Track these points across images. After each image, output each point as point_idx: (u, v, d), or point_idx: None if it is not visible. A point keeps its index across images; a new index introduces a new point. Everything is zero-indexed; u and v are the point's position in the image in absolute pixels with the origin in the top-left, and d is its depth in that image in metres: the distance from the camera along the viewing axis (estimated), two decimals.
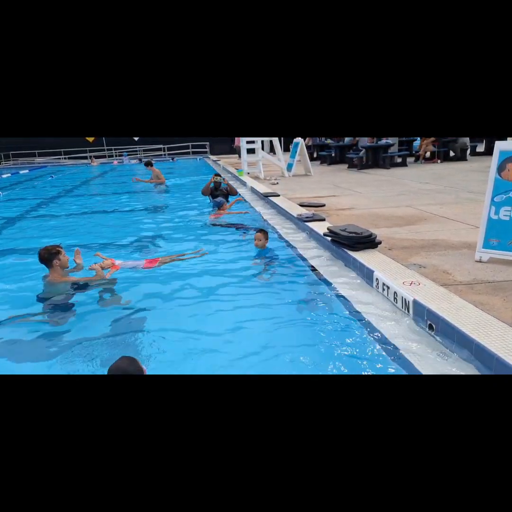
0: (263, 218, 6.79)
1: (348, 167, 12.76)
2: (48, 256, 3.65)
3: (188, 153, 26.80)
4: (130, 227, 6.98)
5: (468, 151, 13.18)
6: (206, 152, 26.24)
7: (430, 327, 2.62)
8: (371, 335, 2.77)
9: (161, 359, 2.71)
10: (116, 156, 26.37)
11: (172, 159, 24.03)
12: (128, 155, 25.50)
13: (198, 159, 24.02)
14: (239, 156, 20.43)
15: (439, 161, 12.63)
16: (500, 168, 3.69)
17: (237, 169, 12.72)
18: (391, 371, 2.38)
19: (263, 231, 4.76)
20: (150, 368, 2.59)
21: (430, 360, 2.38)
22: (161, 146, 26.73)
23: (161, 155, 26.91)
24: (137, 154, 26.68)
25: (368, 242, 4.00)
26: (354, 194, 7.91)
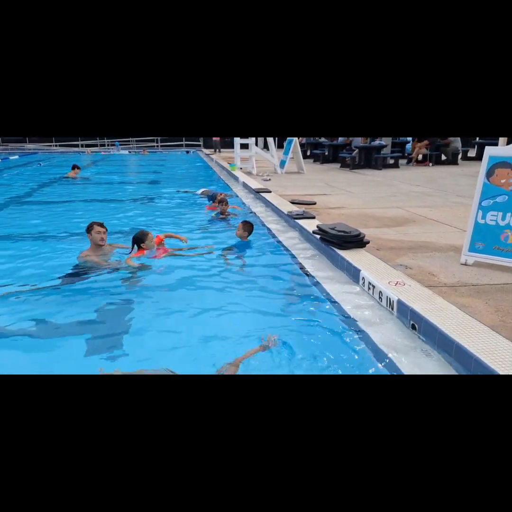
0: (253, 213, 6.80)
1: (341, 167, 12.81)
2: (86, 229, 4.32)
3: (181, 145, 26.67)
4: (123, 216, 6.95)
5: (460, 156, 13.32)
6: (199, 145, 26.12)
7: (413, 326, 2.66)
8: (355, 333, 2.80)
9: (140, 352, 2.73)
10: (108, 145, 26.17)
11: (187, 152, 23.95)
12: (120, 144, 25.33)
13: (191, 152, 23.93)
14: (215, 150, 20.50)
15: (430, 164, 12.74)
16: (489, 173, 3.74)
17: (229, 163, 12.69)
18: (374, 369, 2.41)
19: (245, 223, 4.81)
20: (136, 360, 2.60)
21: (412, 359, 2.41)
22: (154, 137, 26.55)
23: (153, 146, 26.75)
24: (129, 144, 26.49)
25: (356, 241, 4.03)
26: (345, 193, 7.94)
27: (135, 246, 4.32)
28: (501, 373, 1.94)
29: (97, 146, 25.93)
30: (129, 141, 26.58)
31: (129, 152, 24.39)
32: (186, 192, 9.26)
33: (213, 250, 4.66)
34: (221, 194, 7.18)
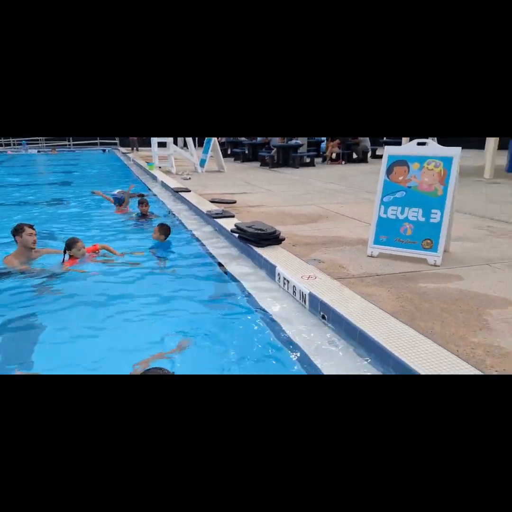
0: (172, 213, 6.70)
1: (261, 165, 13.06)
2: (13, 231, 4.06)
3: (96, 144, 25.35)
4: (30, 220, 6.46)
5: (369, 154, 14.23)
6: (115, 144, 25.02)
7: (323, 317, 2.81)
8: (271, 327, 2.89)
9: (58, 355, 2.67)
10: (14, 144, 24.18)
11: (103, 151, 22.68)
12: (27, 143, 23.53)
13: (107, 151, 22.88)
14: (132, 149, 19.95)
15: (343, 162, 13.48)
16: (388, 171, 4.06)
17: (148, 162, 12.35)
18: (289, 359, 2.51)
19: (160, 225, 4.79)
20: (54, 363, 2.53)
21: (322, 348, 2.56)
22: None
23: (65, 144, 25.17)
24: (38, 143, 24.66)
25: (272, 238, 4.16)
26: (265, 191, 8.13)
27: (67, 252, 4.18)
28: (397, 354, 2.13)
29: (2, 146, 23.81)
30: (37, 140, 24.70)
31: (38, 151, 22.74)
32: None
33: (140, 259, 4.52)
34: (127, 195, 6.99)
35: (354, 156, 13.88)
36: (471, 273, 3.47)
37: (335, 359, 2.44)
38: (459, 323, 2.59)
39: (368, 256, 3.97)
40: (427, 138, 3.98)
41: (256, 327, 2.96)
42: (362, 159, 13.67)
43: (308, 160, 12.98)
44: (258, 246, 4.12)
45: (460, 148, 3.78)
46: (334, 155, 13.69)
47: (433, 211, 3.82)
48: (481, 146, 11.47)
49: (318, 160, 13.81)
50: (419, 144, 3.93)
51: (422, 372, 1.95)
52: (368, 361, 2.34)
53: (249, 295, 3.42)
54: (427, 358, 2.12)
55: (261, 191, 8.21)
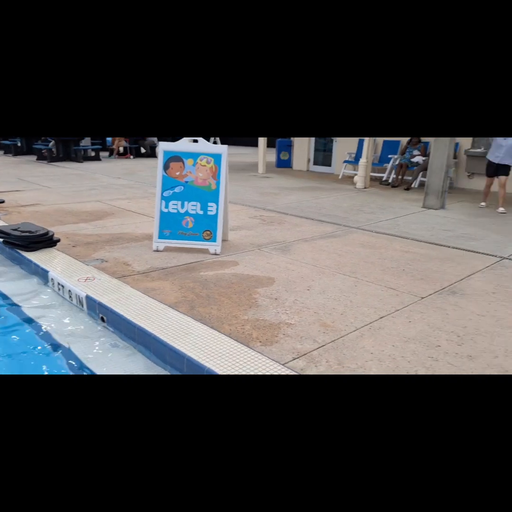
0: None
1: (37, 159, 11.68)
2: None
3: None
4: None
5: (157, 149, 14.32)
6: None
7: (102, 319, 2.69)
8: (43, 337, 2.61)
9: None
10: None
11: None
12: None
13: None
14: None
15: (131, 156, 13.20)
16: (166, 167, 4.14)
17: None
18: (65, 369, 2.31)
19: None
20: None
21: (102, 352, 2.45)
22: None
23: None
24: None
25: (44, 241, 3.74)
26: (41, 188, 7.29)
27: None
28: (171, 344, 2.20)
29: None
30: None
31: None
32: None
33: None
34: None
35: (143, 150, 13.74)
36: (245, 258, 3.88)
37: (114, 362, 2.36)
38: (233, 304, 2.85)
39: (154, 251, 3.99)
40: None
41: (26, 339, 2.62)
42: (150, 154, 13.64)
43: (93, 154, 12.22)
44: (27, 251, 3.65)
45: (226, 146, 4.14)
46: (121, 149, 13.26)
47: (209, 204, 4.09)
48: (256, 143, 12.89)
49: (104, 154, 13.15)
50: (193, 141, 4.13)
51: (193, 355, 2.07)
52: (148, 356, 2.35)
53: (17, 306, 3.00)
54: (200, 341, 2.26)
55: (37, 188, 7.33)
